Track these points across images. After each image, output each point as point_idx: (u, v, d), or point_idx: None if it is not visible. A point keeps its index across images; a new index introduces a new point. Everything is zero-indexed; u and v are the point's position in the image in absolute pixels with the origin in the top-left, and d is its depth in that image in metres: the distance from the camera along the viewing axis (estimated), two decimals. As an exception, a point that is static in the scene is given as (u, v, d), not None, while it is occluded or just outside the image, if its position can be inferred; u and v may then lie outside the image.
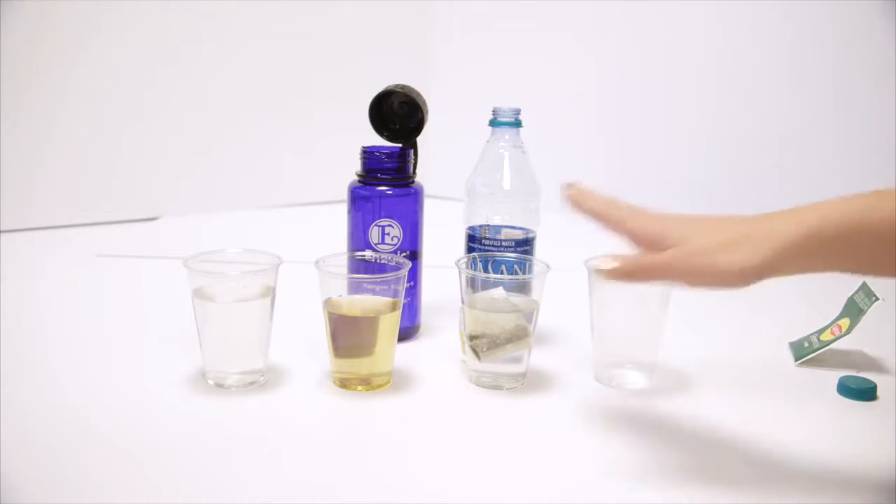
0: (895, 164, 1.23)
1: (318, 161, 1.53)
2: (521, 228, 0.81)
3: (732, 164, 1.41)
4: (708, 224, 0.56)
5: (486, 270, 0.75)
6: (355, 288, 0.71)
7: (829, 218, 0.51)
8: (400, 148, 0.81)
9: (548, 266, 0.71)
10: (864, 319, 0.76)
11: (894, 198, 0.50)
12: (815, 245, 0.51)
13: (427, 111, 0.81)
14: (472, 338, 0.70)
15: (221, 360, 0.70)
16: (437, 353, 0.79)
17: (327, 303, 0.69)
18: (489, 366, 0.71)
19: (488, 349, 0.69)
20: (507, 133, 0.81)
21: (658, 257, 0.54)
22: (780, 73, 1.34)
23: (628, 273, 0.55)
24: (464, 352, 0.74)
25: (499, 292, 0.70)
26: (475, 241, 0.81)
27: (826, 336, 0.79)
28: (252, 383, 0.70)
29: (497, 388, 0.71)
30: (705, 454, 0.61)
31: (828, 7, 1.27)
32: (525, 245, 0.80)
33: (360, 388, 0.70)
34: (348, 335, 0.71)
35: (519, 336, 0.69)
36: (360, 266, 0.75)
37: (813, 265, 0.52)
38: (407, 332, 0.82)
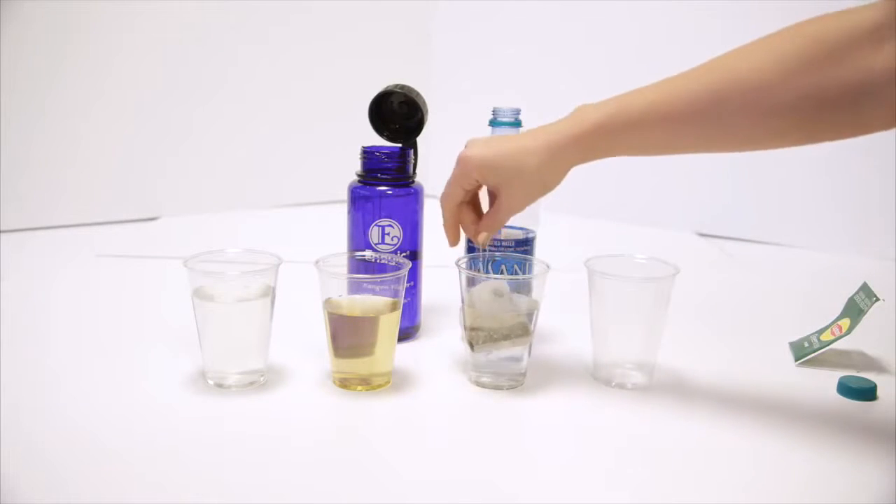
0: (895, 163, 1.23)
1: (318, 161, 1.53)
2: (521, 228, 0.81)
3: (732, 160, 1.41)
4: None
5: (486, 270, 0.75)
6: (355, 288, 0.71)
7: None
8: (400, 148, 0.81)
9: (548, 266, 0.71)
10: (864, 319, 0.76)
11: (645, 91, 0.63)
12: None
13: (427, 111, 0.81)
14: (470, 329, 0.70)
15: (221, 360, 0.70)
16: (437, 353, 0.79)
17: (327, 303, 0.69)
18: (489, 366, 0.71)
19: (483, 342, 0.69)
20: (507, 133, 0.81)
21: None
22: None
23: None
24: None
25: (502, 286, 0.70)
26: (475, 241, 0.81)
27: (826, 336, 0.79)
28: (252, 383, 0.70)
29: (497, 388, 0.71)
30: (705, 454, 0.61)
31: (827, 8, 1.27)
32: (525, 245, 0.80)
33: (360, 388, 0.70)
34: (348, 335, 0.71)
35: (518, 334, 0.69)
36: (360, 266, 0.75)
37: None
38: (407, 332, 0.82)
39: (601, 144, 0.65)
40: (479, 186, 0.71)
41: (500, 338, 0.69)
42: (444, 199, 0.71)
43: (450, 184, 0.71)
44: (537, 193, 0.69)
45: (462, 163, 0.69)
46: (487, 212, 0.71)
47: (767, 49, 0.59)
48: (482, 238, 0.71)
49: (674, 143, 0.65)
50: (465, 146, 0.69)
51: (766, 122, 0.59)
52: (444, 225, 0.72)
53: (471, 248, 0.81)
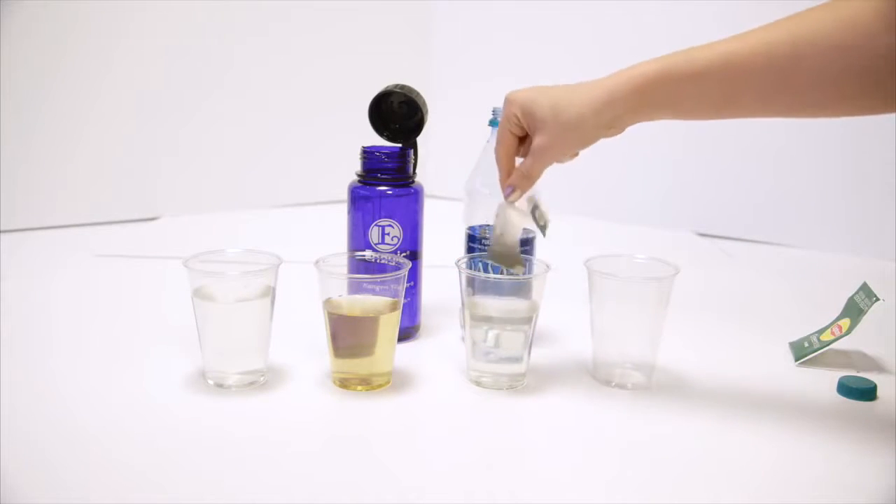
0: (895, 163, 1.23)
1: (318, 161, 1.53)
2: (521, 228, 0.81)
3: (732, 160, 1.41)
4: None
5: (486, 270, 0.75)
6: (355, 288, 0.71)
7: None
8: (400, 148, 0.81)
9: (548, 266, 0.71)
10: (864, 319, 0.76)
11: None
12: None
13: (427, 111, 0.81)
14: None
15: (221, 360, 0.70)
16: (437, 353, 0.79)
17: (327, 303, 0.69)
18: (489, 366, 0.71)
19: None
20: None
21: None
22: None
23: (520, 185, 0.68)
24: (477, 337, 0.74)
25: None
26: (475, 241, 0.81)
27: (826, 336, 0.79)
28: (252, 383, 0.70)
29: (497, 388, 0.71)
30: (705, 454, 0.61)
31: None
32: (525, 245, 0.80)
33: (360, 388, 0.70)
34: (348, 335, 0.71)
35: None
36: (360, 266, 0.75)
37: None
38: (407, 332, 0.82)
39: (658, 95, 0.61)
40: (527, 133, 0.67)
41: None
42: (496, 148, 0.69)
43: (498, 130, 0.68)
44: (572, 141, 0.65)
45: (506, 102, 0.67)
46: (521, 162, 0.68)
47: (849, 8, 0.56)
48: (513, 196, 0.68)
49: (734, 100, 0.61)
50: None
51: (840, 83, 0.56)
52: (500, 177, 0.70)
53: (471, 248, 0.81)
